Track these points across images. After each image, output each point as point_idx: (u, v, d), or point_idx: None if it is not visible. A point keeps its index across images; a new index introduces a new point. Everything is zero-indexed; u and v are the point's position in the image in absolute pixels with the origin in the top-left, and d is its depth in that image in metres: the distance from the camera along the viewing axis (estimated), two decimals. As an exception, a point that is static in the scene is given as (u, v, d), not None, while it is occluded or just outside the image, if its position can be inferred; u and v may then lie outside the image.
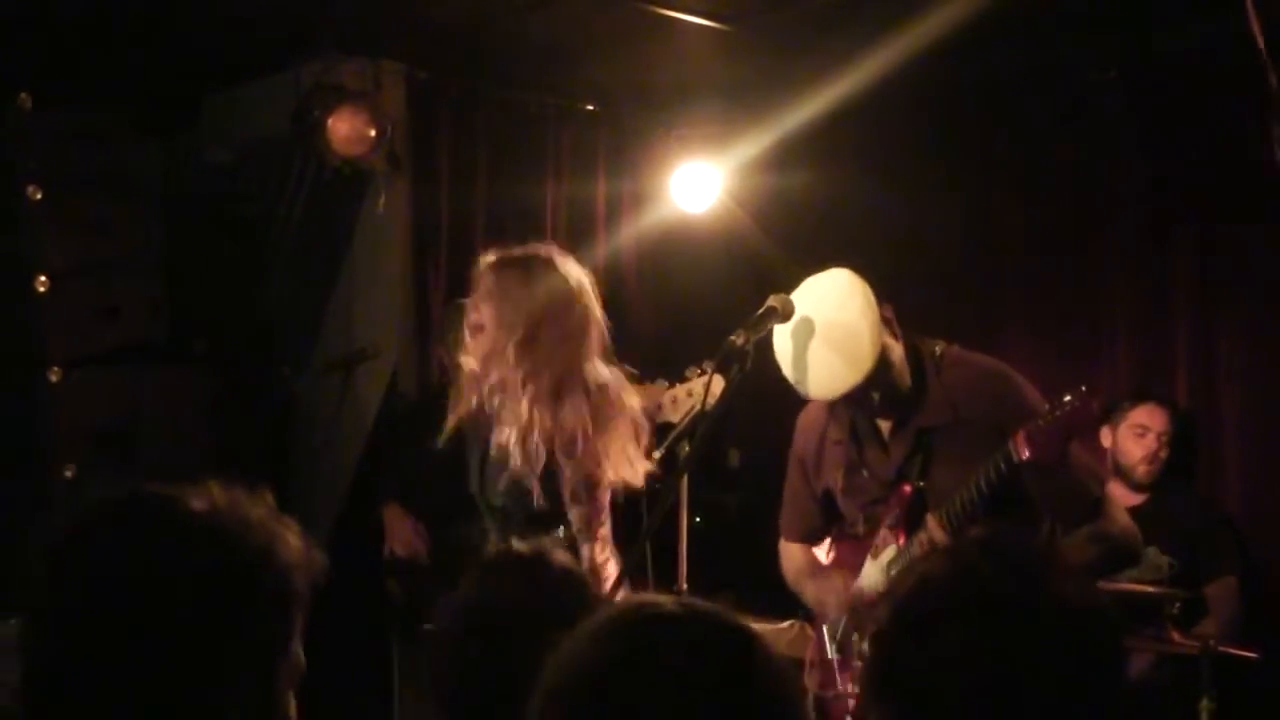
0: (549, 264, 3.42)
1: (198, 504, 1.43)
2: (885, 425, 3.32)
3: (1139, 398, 4.72)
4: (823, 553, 3.64)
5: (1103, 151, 5.04)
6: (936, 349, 3.30)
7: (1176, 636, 3.68)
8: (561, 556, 2.16)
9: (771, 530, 3.74)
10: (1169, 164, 4.87)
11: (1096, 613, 1.52)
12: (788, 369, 3.24)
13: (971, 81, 5.16)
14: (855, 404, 3.28)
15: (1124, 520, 3.28)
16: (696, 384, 3.72)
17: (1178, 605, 3.74)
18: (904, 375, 3.23)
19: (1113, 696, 1.48)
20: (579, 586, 2.09)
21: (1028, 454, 2.93)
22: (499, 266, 3.41)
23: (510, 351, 3.34)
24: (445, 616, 2.08)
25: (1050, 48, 4.90)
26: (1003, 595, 1.48)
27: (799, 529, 3.62)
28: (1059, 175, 5.18)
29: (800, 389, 3.23)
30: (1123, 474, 4.61)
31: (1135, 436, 4.63)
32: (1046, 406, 3.01)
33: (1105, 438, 4.71)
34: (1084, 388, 2.93)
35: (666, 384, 3.81)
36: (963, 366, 3.27)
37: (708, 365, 3.52)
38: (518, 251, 3.46)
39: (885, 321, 3.17)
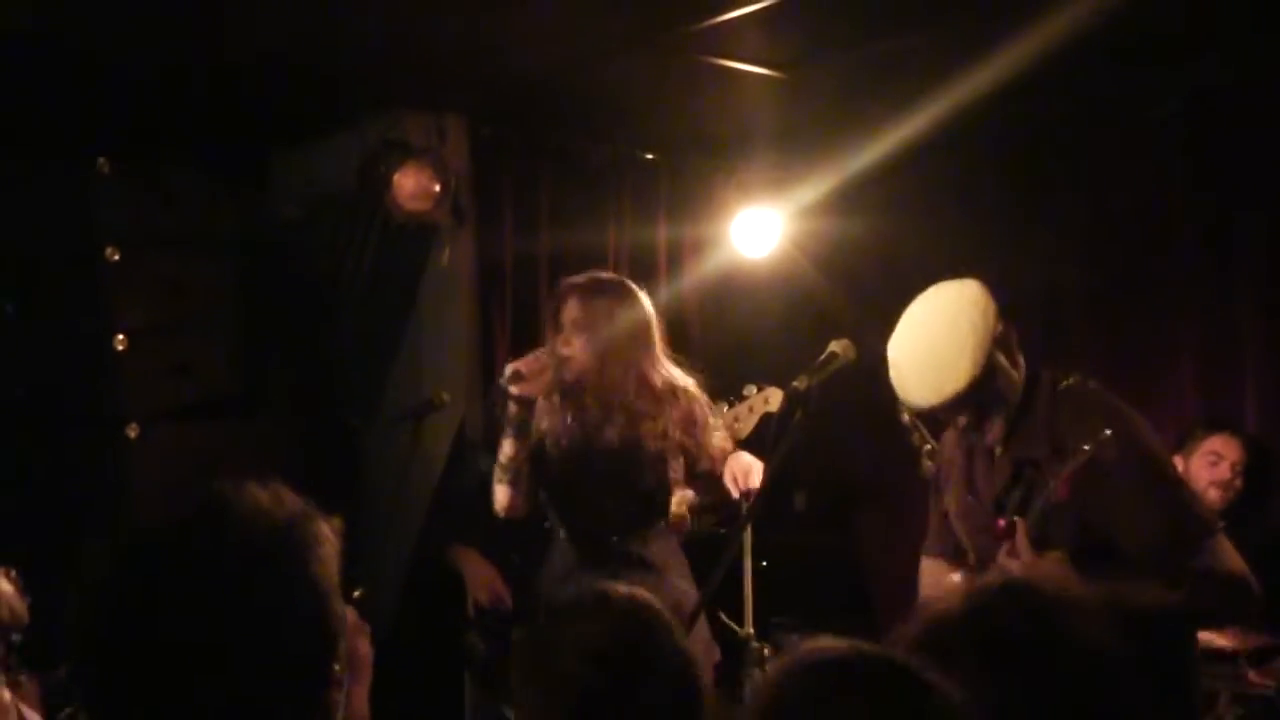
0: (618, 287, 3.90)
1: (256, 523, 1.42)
2: (998, 449, 3.21)
3: (1212, 426, 4.66)
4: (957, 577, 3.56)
5: (1166, 183, 5.02)
6: (1066, 381, 3.19)
7: (1252, 676, 3.64)
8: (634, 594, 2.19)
9: (837, 571, 3.75)
10: (1234, 193, 4.84)
11: (1114, 657, 1.48)
12: (893, 372, 3.17)
13: (1030, 120, 5.16)
14: (951, 421, 3.21)
15: (1234, 566, 3.06)
16: (756, 400, 3.85)
17: (1251, 646, 3.69)
18: (1013, 398, 3.13)
19: None
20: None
21: (1064, 496, 2.89)
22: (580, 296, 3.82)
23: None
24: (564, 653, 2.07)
25: (1108, 84, 4.90)
26: (1013, 635, 1.46)
27: (936, 543, 3.50)
28: (1122, 209, 5.16)
29: (901, 396, 3.17)
30: None
31: (1208, 465, 4.57)
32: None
33: (1178, 465, 4.66)
34: (1107, 430, 2.89)
35: (726, 405, 3.92)
36: (1080, 402, 3.14)
37: (762, 384, 3.74)
38: (586, 279, 3.89)
39: (1000, 342, 3.10)
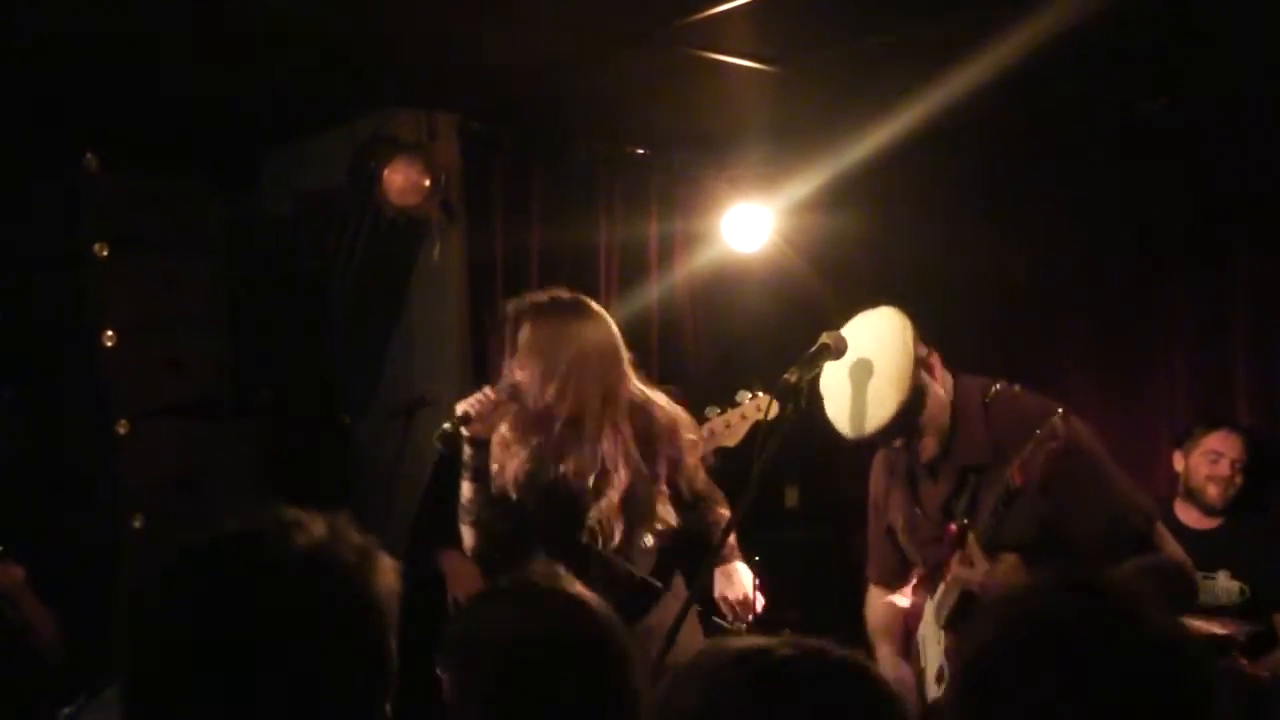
0: (577, 306, 3.68)
1: (298, 547, 1.38)
2: (937, 464, 3.30)
3: (1213, 424, 4.66)
4: (905, 599, 3.60)
5: (1155, 180, 5.03)
6: (992, 389, 3.26)
7: (1245, 665, 3.65)
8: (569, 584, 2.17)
9: (829, 568, 3.73)
10: (1223, 189, 4.85)
11: (1187, 643, 1.46)
12: (828, 406, 3.26)
13: (1020, 117, 5.16)
14: (887, 445, 3.28)
15: (1176, 556, 3.19)
16: (749, 407, 3.77)
17: (1245, 634, 3.70)
18: (941, 415, 3.21)
19: None
20: (586, 616, 2.07)
21: (1019, 481, 2.95)
22: (533, 319, 3.64)
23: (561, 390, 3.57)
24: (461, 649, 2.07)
25: (1098, 81, 4.90)
26: (1094, 632, 1.41)
27: (878, 570, 3.60)
28: (1112, 206, 5.17)
29: (837, 427, 3.24)
30: (1194, 497, 4.57)
31: (1209, 463, 4.58)
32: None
33: (1177, 462, 4.67)
34: (1059, 410, 2.97)
35: (718, 410, 3.85)
36: (1011, 407, 3.23)
37: (757, 388, 3.65)
38: (544, 299, 3.69)
39: (924, 363, 3.17)
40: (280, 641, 1.32)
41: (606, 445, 3.61)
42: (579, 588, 2.12)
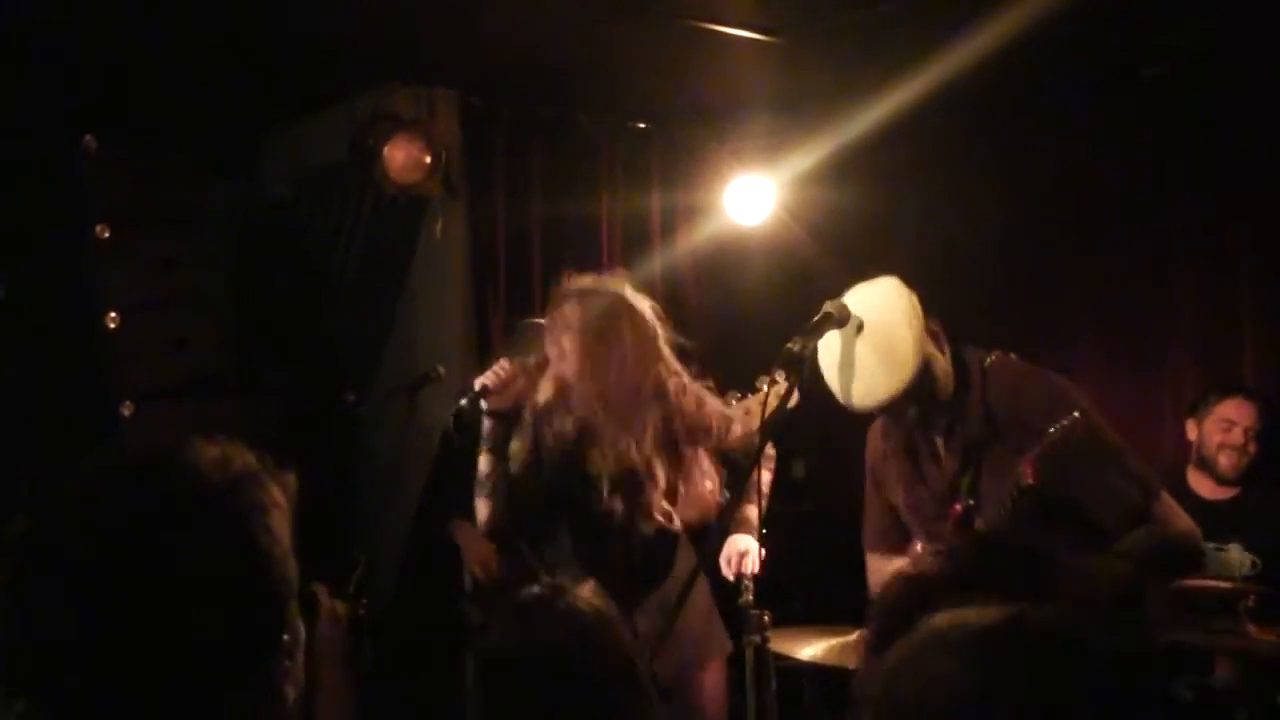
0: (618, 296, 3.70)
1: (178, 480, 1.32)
2: (940, 440, 3.25)
3: (1226, 391, 4.61)
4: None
5: (1160, 149, 5.00)
6: (987, 360, 3.21)
7: (1252, 630, 3.63)
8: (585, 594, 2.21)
9: (837, 540, 3.72)
10: (1227, 157, 4.82)
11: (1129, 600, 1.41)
12: (830, 377, 3.19)
13: (1023, 87, 5.13)
14: (896, 416, 3.23)
15: (1182, 525, 3.13)
16: (771, 393, 3.75)
17: (1252, 599, 3.68)
18: (947, 388, 3.16)
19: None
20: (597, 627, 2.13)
21: (1031, 480, 2.90)
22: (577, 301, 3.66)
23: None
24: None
25: (1101, 48, 4.87)
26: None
27: (876, 538, 3.55)
28: (1117, 175, 5.14)
29: (841, 398, 3.18)
30: (1207, 466, 4.54)
31: (1221, 431, 4.53)
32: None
33: (1191, 431, 4.63)
34: (1075, 412, 2.89)
35: (739, 395, 3.84)
36: (1007, 377, 3.18)
37: (778, 374, 3.61)
38: (589, 283, 3.72)
39: (930, 334, 3.13)
40: (156, 570, 1.26)
41: (626, 435, 3.62)
42: (586, 599, 2.18)
